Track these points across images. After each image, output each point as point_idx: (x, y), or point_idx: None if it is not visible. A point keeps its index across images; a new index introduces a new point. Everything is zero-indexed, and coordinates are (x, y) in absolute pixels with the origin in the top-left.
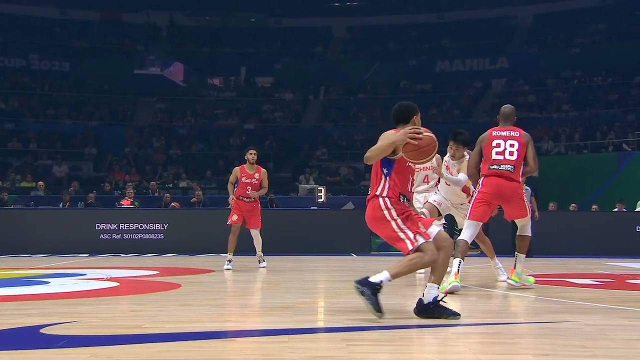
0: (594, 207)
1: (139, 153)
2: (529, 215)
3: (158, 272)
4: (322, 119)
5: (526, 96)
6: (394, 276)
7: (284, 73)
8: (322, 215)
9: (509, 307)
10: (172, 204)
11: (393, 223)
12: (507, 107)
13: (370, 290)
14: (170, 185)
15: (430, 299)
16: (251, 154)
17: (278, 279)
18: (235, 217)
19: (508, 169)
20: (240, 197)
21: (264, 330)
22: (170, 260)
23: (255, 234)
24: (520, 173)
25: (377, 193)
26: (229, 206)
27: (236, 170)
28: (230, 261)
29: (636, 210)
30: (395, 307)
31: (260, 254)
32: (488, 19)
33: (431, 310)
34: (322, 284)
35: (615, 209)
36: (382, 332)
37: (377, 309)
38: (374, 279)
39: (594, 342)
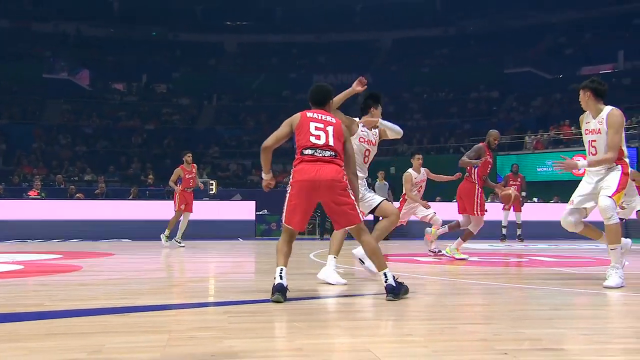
0: (438, 198)
1: (47, 149)
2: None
3: (62, 256)
4: (215, 122)
5: (386, 107)
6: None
7: (181, 81)
8: (214, 205)
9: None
10: (77, 195)
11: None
12: None
13: (396, 289)
14: (76, 179)
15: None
16: (189, 156)
17: (175, 261)
18: (183, 207)
19: None
20: (185, 189)
21: (154, 306)
22: (74, 245)
23: (187, 217)
24: None
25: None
26: (176, 196)
27: (178, 170)
28: (169, 237)
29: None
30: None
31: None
32: (356, 41)
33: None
34: (212, 264)
35: (454, 200)
36: (259, 305)
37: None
38: (387, 279)
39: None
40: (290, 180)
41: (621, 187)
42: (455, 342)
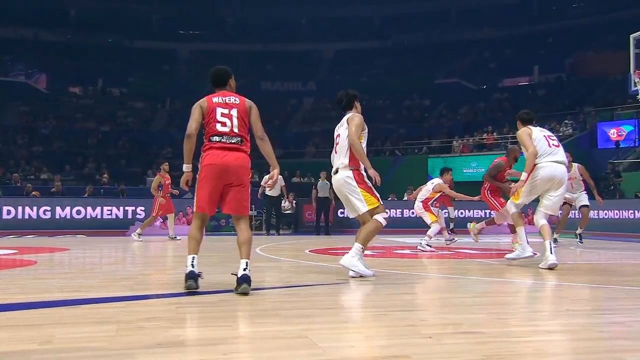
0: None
1: (4, 149)
2: None
3: (17, 251)
4: (168, 125)
5: (329, 112)
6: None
7: (136, 85)
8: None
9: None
10: (33, 192)
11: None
12: None
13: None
14: (32, 177)
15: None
16: (166, 165)
17: (128, 256)
18: (160, 212)
19: None
20: (166, 195)
21: (105, 298)
22: (30, 241)
23: (172, 216)
24: None
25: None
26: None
27: (158, 178)
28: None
29: (404, 199)
30: (221, 278)
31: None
32: (302, 51)
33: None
34: (164, 259)
35: (389, 198)
36: (206, 296)
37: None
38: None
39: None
40: (200, 165)
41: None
42: (386, 327)
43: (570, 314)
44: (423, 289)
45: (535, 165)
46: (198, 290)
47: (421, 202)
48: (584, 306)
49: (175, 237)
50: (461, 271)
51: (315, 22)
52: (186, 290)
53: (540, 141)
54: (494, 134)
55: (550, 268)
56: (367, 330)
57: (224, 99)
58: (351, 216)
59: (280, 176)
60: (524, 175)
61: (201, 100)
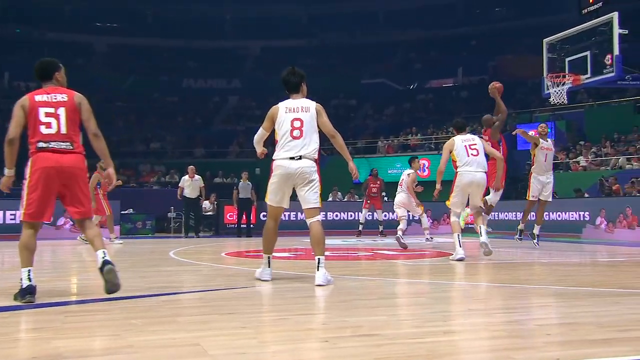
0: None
1: None
2: None
3: None
4: None
5: (254, 111)
6: None
7: None
8: None
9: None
10: None
11: None
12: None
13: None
14: None
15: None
16: (103, 162)
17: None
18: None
19: None
20: (105, 193)
21: None
22: None
23: (111, 219)
24: None
25: None
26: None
27: (96, 175)
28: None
29: (329, 199)
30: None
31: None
32: (226, 48)
33: None
34: (65, 264)
35: None
36: (102, 304)
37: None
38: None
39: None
40: (29, 170)
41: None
42: (284, 332)
43: (470, 314)
44: (331, 291)
45: (457, 172)
46: (95, 298)
47: (408, 193)
48: (485, 305)
49: (115, 240)
50: (375, 273)
51: (240, 19)
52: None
53: (460, 151)
54: (418, 134)
55: (459, 260)
56: (262, 336)
57: (49, 96)
58: (303, 206)
59: (199, 176)
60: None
61: (22, 98)
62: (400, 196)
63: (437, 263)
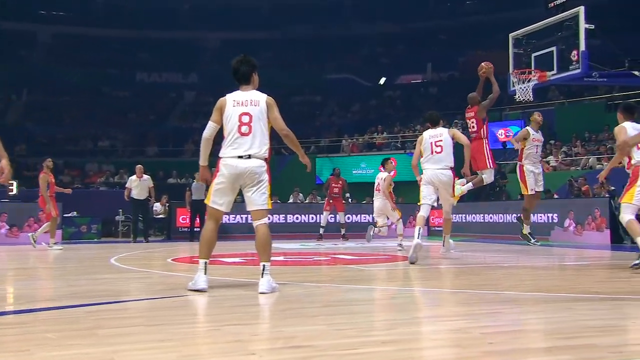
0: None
1: None
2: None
3: None
4: (24, 118)
5: (211, 107)
6: None
7: None
8: (14, 206)
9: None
10: None
11: None
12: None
13: None
14: None
15: None
16: (50, 161)
17: None
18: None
19: None
20: (52, 195)
21: None
22: None
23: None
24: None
25: None
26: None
27: (44, 176)
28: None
29: (289, 201)
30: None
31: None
32: (182, 39)
33: None
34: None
35: (272, 201)
36: (19, 315)
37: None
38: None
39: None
40: None
41: None
42: (210, 344)
43: (414, 322)
44: (275, 299)
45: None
46: (18, 309)
47: (387, 199)
48: (432, 313)
49: (53, 246)
50: (327, 279)
51: (198, 9)
52: None
53: (426, 147)
54: (385, 133)
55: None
56: (187, 349)
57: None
58: (249, 208)
59: (147, 176)
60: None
61: None
62: (378, 202)
63: (394, 268)
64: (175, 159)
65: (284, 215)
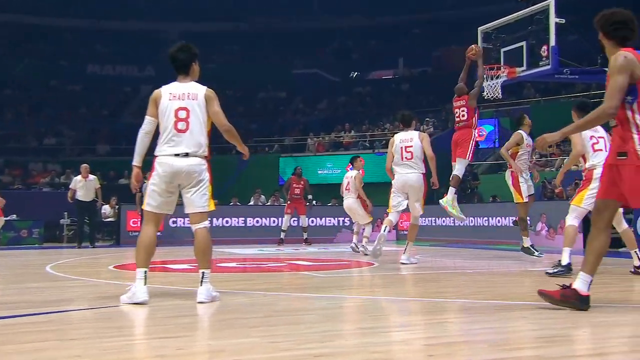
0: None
1: None
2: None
3: None
4: None
5: None
6: None
7: None
8: None
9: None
10: None
11: None
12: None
13: None
14: None
15: None
16: None
17: None
18: None
19: None
20: None
21: None
22: None
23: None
24: None
25: None
26: None
27: None
28: None
29: (250, 203)
30: None
31: None
32: (140, 31)
33: None
34: None
35: (231, 203)
36: None
37: None
38: None
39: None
40: None
41: None
42: None
43: (356, 333)
44: (213, 309)
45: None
46: None
47: (357, 197)
48: (378, 323)
49: None
50: (275, 287)
51: None
52: None
53: (397, 152)
54: (352, 131)
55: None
56: None
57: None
58: (187, 210)
59: (93, 176)
60: None
61: None
62: (348, 202)
63: (351, 275)
64: (128, 157)
65: (243, 219)
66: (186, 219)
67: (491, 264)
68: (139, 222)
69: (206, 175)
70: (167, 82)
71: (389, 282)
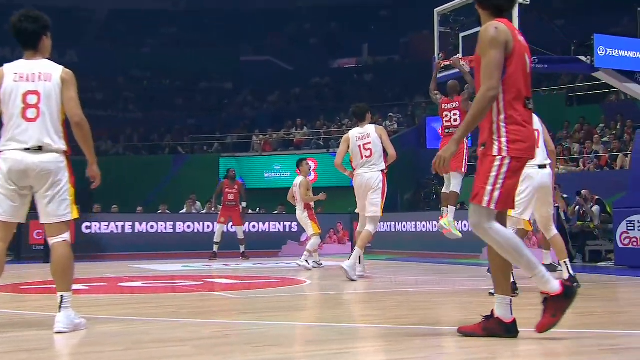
0: (139, 209)
1: None
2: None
3: None
4: None
5: (94, 93)
6: None
7: None
8: None
9: None
10: None
11: None
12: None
13: None
14: None
15: None
16: None
17: None
18: None
19: None
20: None
21: None
22: None
23: None
24: None
25: None
26: None
27: None
28: None
29: (182, 211)
30: None
31: None
32: (61, 8)
33: None
34: None
35: (159, 211)
36: None
37: None
38: None
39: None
40: None
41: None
42: None
43: None
44: (73, 340)
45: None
46: None
47: (305, 209)
48: (254, 356)
49: None
50: (169, 310)
51: None
52: None
53: (354, 150)
54: (305, 128)
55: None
56: None
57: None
58: (42, 220)
59: None
60: None
61: None
62: (297, 213)
63: (269, 296)
64: None
65: (172, 224)
66: (103, 223)
67: (443, 281)
68: (43, 234)
69: (65, 175)
70: (91, 69)
71: (304, 304)
